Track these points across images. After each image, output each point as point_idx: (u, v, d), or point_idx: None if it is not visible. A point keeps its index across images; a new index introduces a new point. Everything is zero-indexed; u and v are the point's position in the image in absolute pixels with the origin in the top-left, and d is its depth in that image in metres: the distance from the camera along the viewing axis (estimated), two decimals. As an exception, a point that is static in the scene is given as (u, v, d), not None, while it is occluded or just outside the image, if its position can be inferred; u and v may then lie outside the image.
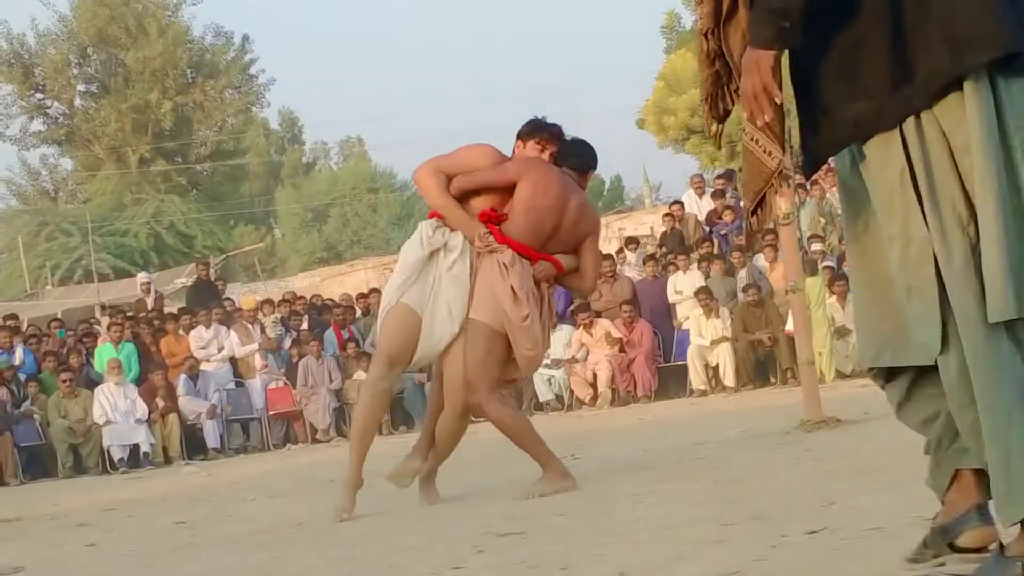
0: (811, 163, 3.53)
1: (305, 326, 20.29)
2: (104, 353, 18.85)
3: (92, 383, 18.50)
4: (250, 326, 20.08)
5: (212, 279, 24.28)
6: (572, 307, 20.57)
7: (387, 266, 29.57)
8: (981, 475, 3.32)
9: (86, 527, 8.57)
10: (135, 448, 17.83)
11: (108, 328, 19.87)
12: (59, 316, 25.98)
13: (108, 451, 17.70)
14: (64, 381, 17.99)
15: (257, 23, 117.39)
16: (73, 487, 15.05)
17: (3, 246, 51.80)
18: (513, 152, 7.43)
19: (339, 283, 33.81)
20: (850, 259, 3.63)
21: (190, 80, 52.83)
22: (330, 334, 19.95)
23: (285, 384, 19.48)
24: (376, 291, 20.77)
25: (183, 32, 52.44)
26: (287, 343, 20.02)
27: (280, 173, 65.89)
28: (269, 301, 21.99)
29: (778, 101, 3.41)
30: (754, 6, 3.40)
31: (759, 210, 3.69)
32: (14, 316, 23.80)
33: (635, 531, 4.97)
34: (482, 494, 7.17)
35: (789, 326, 16.85)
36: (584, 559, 4.38)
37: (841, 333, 17.81)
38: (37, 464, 18.26)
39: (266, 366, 19.67)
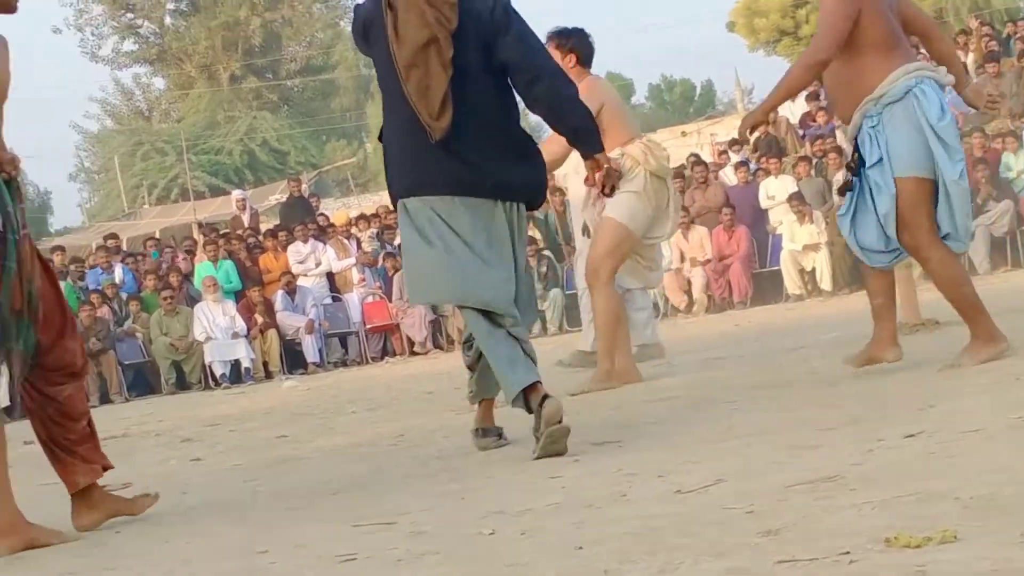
0: None
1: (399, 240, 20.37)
2: (202, 271, 19.08)
3: (192, 300, 18.75)
4: (346, 241, 20.22)
5: (305, 195, 24.43)
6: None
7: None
8: None
9: (191, 442, 8.73)
10: (236, 364, 18.10)
11: (204, 246, 20.10)
12: (157, 235, 26.29)
13: (210, 367, 17.99)
14: (165, 299, 18.25)
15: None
16: (176, 403, 15.32)
17: (99, 166, 52.46)
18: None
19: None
20: None
21: (279, -5, 52.91)
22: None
23: (381, 298, 19.62)
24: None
25: (270, -52, 52.46)
26: (382, 257, 20.14)
27: (370, 87, 65.76)
28: (363, 216, 22.10)
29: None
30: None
31: None
32: (114, 236, 24.13)
33: (731, 437, 4.97)
34: (577, 404, 7.20)
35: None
36: (680, 466, 4.39)
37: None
38: (141, 381, 18.59)
39: (363, 280, 19.81)
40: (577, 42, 8.02)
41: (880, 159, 6.25)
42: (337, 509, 4.66)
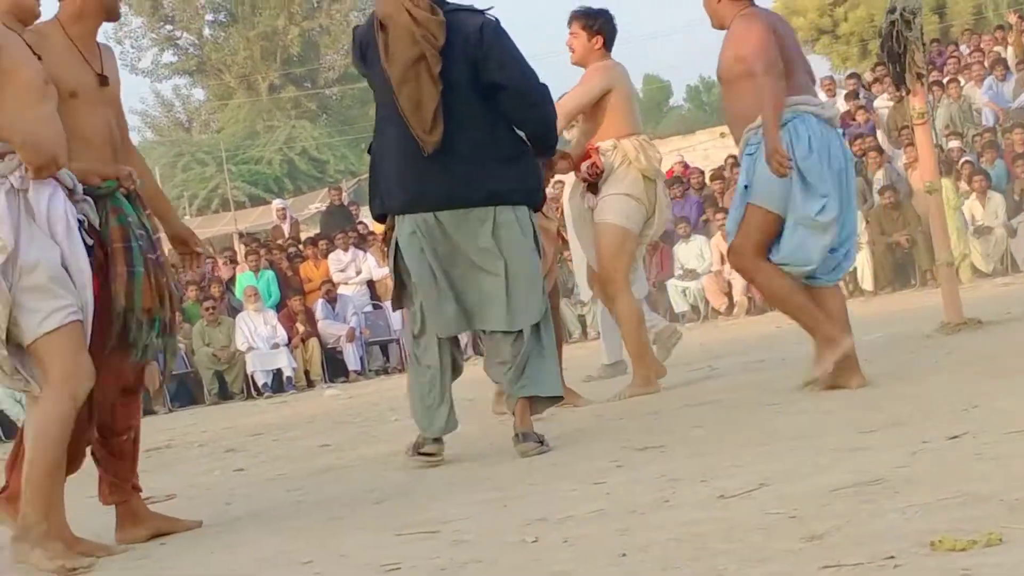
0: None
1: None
2: (244, 281, 19.15)
3: (234, 311, 18.82)
4: (387, 248, 20.23)
5: (345, 203, 24.48)
6: (704, 216, 20.44)
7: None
8: None
9: (234, 452, 8.76)
10: (278, 373, 18.14)
11: (245, 256, 20.16)
12: (198, 246, 26.38)
13: (252, 377, 18.03)
14: (207, 309, 18.32)
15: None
16: (219, 413, 15.37)
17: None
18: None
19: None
20: None
21: (315, 4, 53.07)
22: (464, 254, 20.01)
23: (422, 305, 19.61)
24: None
25: (307, -43, 52.63)
26: (422, 264, 20.14)
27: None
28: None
29: None
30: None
31: None
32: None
33: (774, 441, 4.96)
34: (617, 409, 7.19)
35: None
36: (723, 471, 4.38)
37: (981, 232, 17.53)
38: (184, 392, 18.65)
39: (403, 287, 19.81)
40: (604, 23, 7.93)
41: (747, 186, 6.54)
42: (380, 518, 4.67)
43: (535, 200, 6.06)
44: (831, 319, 6.50)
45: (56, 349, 4.47)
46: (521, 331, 5.83)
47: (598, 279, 7.93)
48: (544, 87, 5.94)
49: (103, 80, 5.00)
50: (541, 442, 5.83)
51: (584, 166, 7.72)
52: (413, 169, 5.80)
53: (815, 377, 6.45)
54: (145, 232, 4.97)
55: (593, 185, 7.75)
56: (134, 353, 4.92)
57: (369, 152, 6.07)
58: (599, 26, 7.89)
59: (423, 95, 5.67)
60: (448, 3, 5.87)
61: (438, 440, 6.01)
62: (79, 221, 4.65)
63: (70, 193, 4.66)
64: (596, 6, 7.95)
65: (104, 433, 4.94)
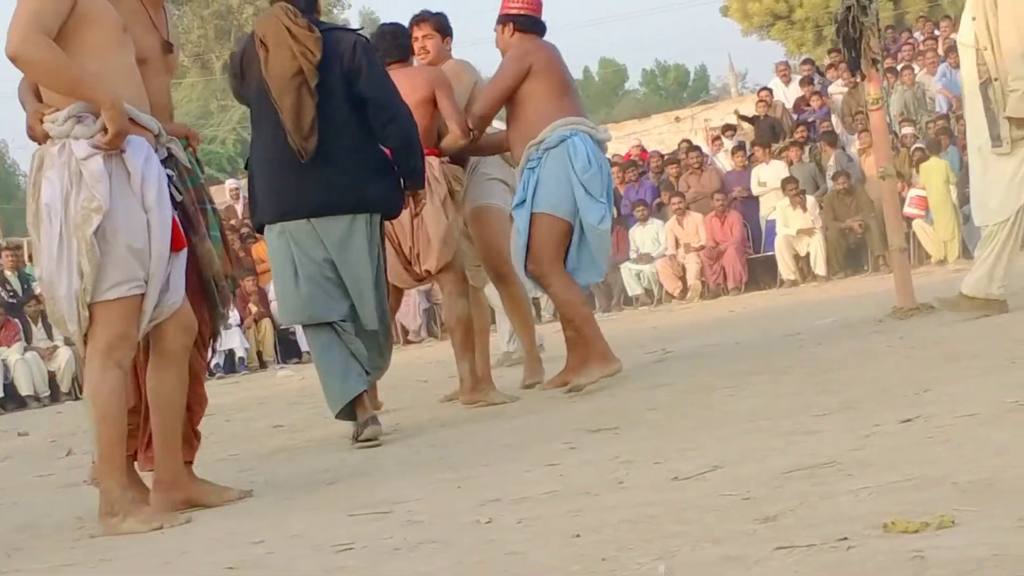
0: None
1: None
2: (196, 261, 19.02)
3: (185, 290, 18.70)
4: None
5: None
6: (658, 200, 20.49)
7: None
8: None
9: (186, 432, 8.69)
10: (230, 353, 18.07)
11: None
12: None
13: (204, 357, 17.92)
14: (158, 289, 18.18)
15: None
16: (172, 393, 15.25)
17: (93, 157, 52.31)
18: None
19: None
20: None
21: (270, -16, 52.83)
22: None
23: (375, 286, 19.56)
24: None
25: (262, -64, 52.34)
26: (376, 245, 20.08)
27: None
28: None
29: None
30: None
31: None
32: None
33: (728, 424, 4.97)
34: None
35: (910, 210, 16.82)
36: (677, 453, 4.39)
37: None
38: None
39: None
40: (446, 23, 7.96)
41: (523, 201, 7.11)
42: (333, 498, 4.65)
43: (394, 212, 6.58)
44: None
45: (109, 318, 4.52)
46: (375, 329, 6.36)
47: (489, 264, 7.84)
48: (405, 106, 6.41)
49: (168, 47, 5.03)
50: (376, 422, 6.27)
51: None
52: (284, 182, 6.26)
53: (580, 384, 6.94)
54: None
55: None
56: (217, 319, 5.10)
57: (246, 168, 6.46)
58: (445, 26, 7.94)
59: (302, 106, 6.13)
60: (323, 23, 6.40)
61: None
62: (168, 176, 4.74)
63: (156, 139, 4.72)
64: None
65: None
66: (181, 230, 4.72)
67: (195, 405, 5.14)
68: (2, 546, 4.64)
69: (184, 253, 4.73)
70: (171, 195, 4.71)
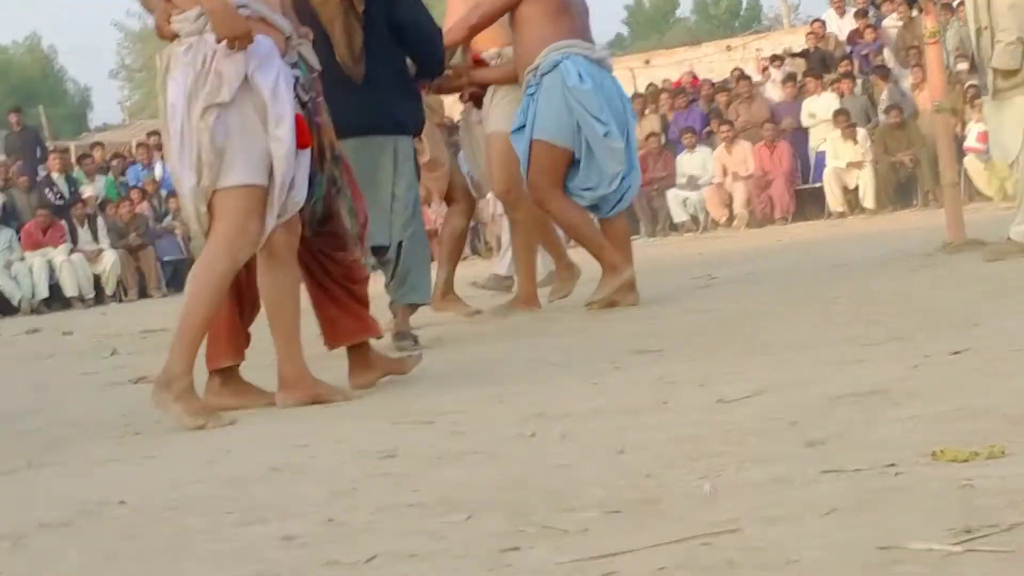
0: None
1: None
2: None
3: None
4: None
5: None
6: (707, 128, 20.36)
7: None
8: None
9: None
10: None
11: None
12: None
13: (248, 265, 18.00)
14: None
15: None
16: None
17: (141, 64, 52.36)
18: None
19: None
20: None
21: None
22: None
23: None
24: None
25: None
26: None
27: None
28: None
29: None
30: None
31: None
32: (156, 133, 24.11)
33: (773, 350, 4.94)
34: (613, 313, 7.18)
35: (975, 143, 16.57)
36: (722, 376, 4.37)
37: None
38: (179, 278, 18.66)
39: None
40: None
41: (522, 126, 7.18)
42: (377, 406, 4.67)
43: (420, 130, 6.89)
44: (615, 248, 7.21)
45: (230, 208, 4.53)
46: (400, 243, 6.68)
47: (496, 189, 7.89)
48: (438, 32, 6.78)
49: None
50: (416, 341, 6.61)
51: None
52: (335, 99, 6.28)
53: (598, 299, 7.19)
54: None
55: (478, 100, 7.79)
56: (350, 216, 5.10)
57: None
58: None
59: (352, 31, 6.34)
60: None
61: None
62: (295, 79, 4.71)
63: (287, 41, 4.70)
64: None
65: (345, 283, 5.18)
66: (307, 127, 4.70)
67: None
68: (46, 441, 4.68)
69: (308, 151, 4.71)
70: (297, 96, 4.68)
